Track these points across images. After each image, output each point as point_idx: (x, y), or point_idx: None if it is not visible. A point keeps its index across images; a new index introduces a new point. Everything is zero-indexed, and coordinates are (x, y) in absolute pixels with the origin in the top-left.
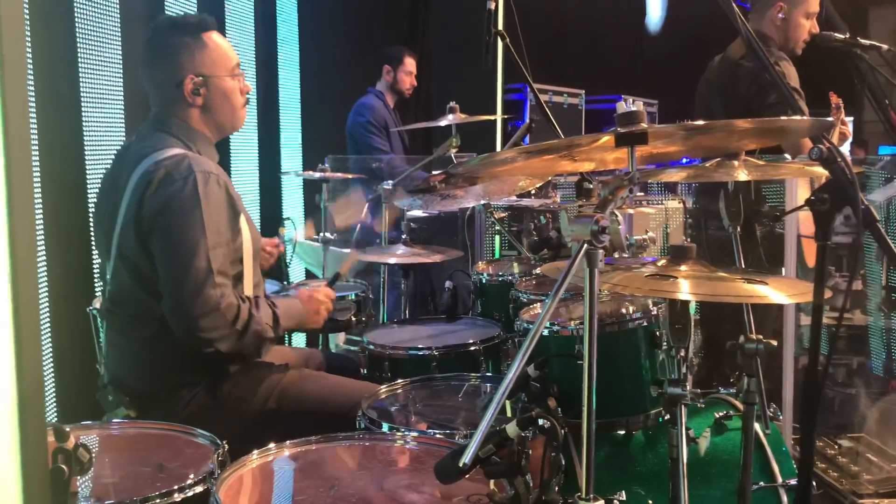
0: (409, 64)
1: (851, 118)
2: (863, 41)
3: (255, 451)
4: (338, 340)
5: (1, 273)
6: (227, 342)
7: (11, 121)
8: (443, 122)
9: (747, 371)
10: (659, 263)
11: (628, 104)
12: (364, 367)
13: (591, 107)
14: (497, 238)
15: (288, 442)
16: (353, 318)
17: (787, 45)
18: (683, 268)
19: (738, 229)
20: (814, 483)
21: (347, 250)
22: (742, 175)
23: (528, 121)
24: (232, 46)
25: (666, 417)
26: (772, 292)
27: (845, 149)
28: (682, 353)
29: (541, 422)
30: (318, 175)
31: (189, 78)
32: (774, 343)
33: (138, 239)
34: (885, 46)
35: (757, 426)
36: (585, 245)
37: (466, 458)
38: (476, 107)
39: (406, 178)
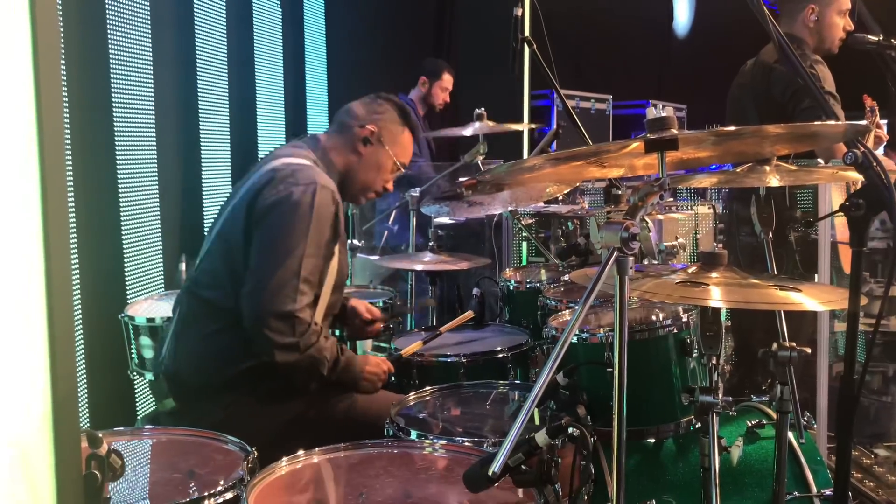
0: (447, 80)
1: (886, 121)
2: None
3: (285, 458)
4: (365, 347)
5: (36, 280)
6: (286, 353)
7: (48, 131)
8: (469, 132)
9: (780, 379)
10: (690, 270)
11: (658, 109)
12: (392, 374)
13: (619, 112)
14: (524, 244)
15: (317, 449)
16: (381, 325)
17: (822, 46)
18: (714, 274)
19: (770, 235)
20: (850, 494)
21: (375, 257)
22: (773, 181)
23: (555, 127)
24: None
25: (697, 425)
26: (805, 299)
27: (880, 152)
28: (714, 361)
29: (570, 430)
30: None
31: (371, 128)
32: (808, 350)
33: (245, 224)
34: None
35: (791, 435)
36: (616, 252)
37: (496, 467)
38: (503, 113)
39: (433, 185)
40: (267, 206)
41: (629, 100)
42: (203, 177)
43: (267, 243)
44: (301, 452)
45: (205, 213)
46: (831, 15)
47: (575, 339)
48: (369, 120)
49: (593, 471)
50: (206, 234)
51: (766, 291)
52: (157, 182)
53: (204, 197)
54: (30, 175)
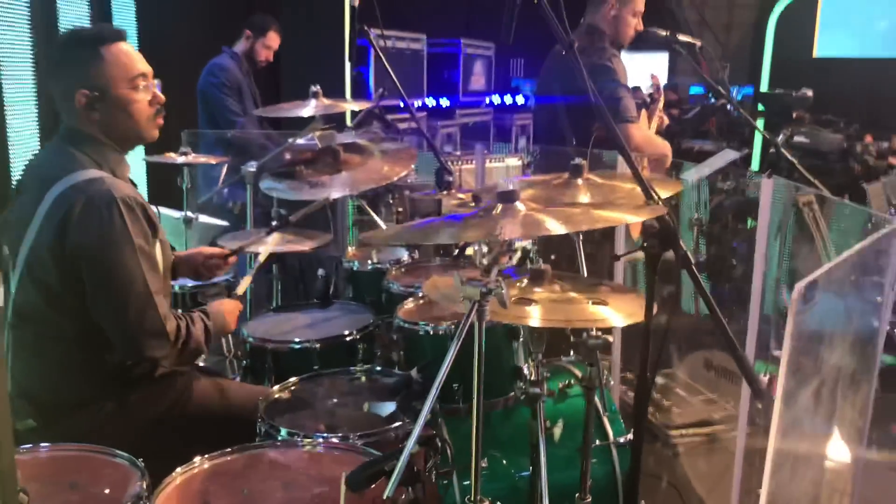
0: (272, 39)
1: (667, 54)
2: (681, 38)
3: (179, 468)
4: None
5: None
6: (170, 360)
7: None
8: (306, 112)
9: (590, 361)
10: (519, 284)
11: (509, 182)
12: (245, 358)
13: (433, 50)
14: (350, 203)
15: (206, 455)
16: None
17: (616, 40)
18: (539, 290)
19: (581, 236)
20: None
21: (219, 221)
22: (583, 198)
23: (376, 94)
24: (141, 57)
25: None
26: (612, 314)
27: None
28: (541, 358)
29: None
30: (180, 160)
31: (81, 93)
32: (611, 339)
33: (57, 264)
34: (699, 43)
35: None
36: (476, 304)
37: (390, 492)
38: (325, 66)
39: (270, 160)
40: (83, 246)
41: (442, 37)
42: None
43: (107, 286)
44: (196, 460)
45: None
46: (627, 14)
47: (422, 333)
48: (72, 88)
49: (441, 444)
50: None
51: (581, 308)
52: None
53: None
54: None
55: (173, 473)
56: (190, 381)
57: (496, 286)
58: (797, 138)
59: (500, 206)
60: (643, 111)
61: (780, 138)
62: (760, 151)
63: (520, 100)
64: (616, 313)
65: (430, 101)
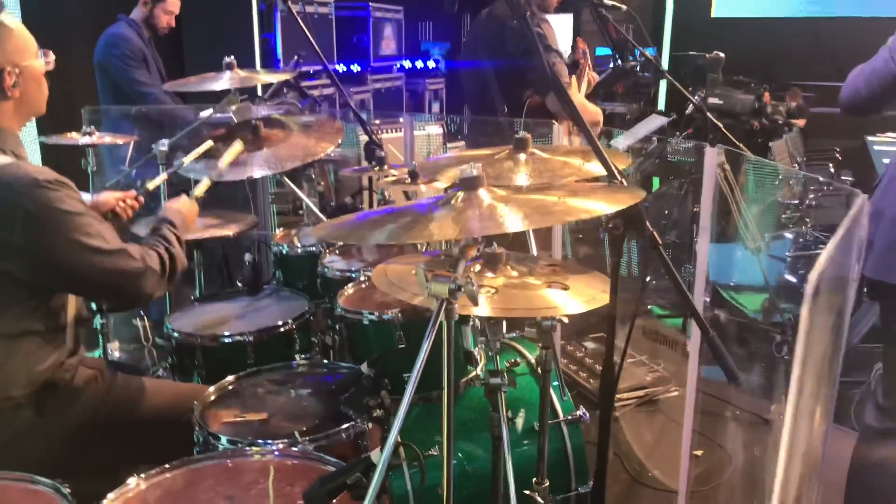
0: (172, 3)
1: (570, 15)
2: (607, 2)
3: (111, 494)
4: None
5: None
6: (163, 289)
7: None
8: (220, 85)
9: (545, 344)
10: (473, 269)
11: (471, 169)
12: (171, 354)
13: (341, 14)
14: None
15: (143, 474)
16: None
17: (543, 4)
18: (494, 275)
19: None
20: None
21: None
22: (523, 174)
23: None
24: None
25: (474, 384)
26: (574, 300)
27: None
28: (498, 346)
29: (376, 413)
30: (84, 140)
31: (7, 71)
32: (566, 320)
33: None
34: (624, 7)
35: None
36: (445, 302)
37: None
38: (231, 32)
39: (182, 137)
40: (18, 232)
41: (350, 1)
42: None
43: (68, 265)
44: (131, 481)
45: None
46: None
47: (366, 322)
48: None
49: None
50: None
51: (541, 295)
52: None
53: None
54: None
55: (105, 501)
56: (112, 381)
57: (466, 282)
58: (711, 100)
59: (460, 195)
60: (573, 77)
61: (696, 100)
62: (665, 112)
63: (430, 64)
64: (578, 298)
65: (341, 67)
